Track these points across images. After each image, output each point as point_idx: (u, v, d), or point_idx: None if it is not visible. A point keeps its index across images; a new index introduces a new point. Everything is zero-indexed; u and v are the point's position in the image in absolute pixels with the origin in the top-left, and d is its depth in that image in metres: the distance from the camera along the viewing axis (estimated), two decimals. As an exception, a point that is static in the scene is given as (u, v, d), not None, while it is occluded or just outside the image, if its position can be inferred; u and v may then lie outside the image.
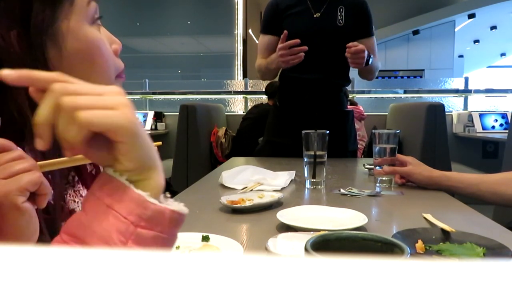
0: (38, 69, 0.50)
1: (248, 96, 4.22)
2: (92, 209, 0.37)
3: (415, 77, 8.63)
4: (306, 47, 1.50)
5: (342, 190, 1.11)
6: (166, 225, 0.36)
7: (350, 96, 3.51)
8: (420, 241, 0.69)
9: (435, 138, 2.60)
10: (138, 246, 0.35)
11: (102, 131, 0.35)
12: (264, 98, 4.03)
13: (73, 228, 0.37)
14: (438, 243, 0.71)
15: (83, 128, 0.34)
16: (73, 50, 0.53)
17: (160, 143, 0.50)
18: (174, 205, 0.38)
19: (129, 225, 0.35)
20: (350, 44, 1.53)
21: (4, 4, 0.49)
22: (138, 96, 4.38)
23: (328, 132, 1.18)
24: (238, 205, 0.91)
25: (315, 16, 1.68)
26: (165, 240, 0.37)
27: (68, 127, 0.34)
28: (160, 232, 0.36)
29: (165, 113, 4.07)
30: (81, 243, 0.36)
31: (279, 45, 1.53)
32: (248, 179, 1.20)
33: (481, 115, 3.61)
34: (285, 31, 1.52)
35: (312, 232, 0.68)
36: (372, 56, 1.63)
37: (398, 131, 1.22)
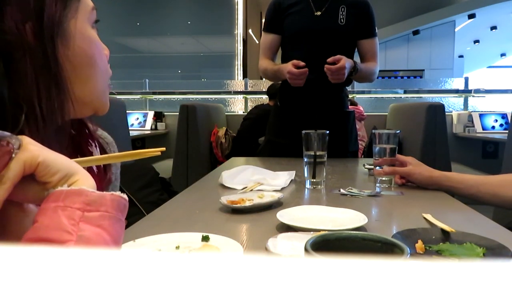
0: (47, 64, 0.50)
1: (248, 96, 4.22)
2: (41, 214, 0.39)
3: (415, 77, 8.63)
4: (307, 70, 1.56)
5: (342, 190, 1.11)
6: (109, 206, 0.41)
7: (350, 96, 3.51)
8: (420, 241, 0.69)
9: (435, 138, 2.60)
10: (89, 225, 0.39)
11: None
12: (264, 98, 4.03)
13: (28, 235, 0.38)
14: (438, 243, 0.70)
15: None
16: (79, 48, 0.54)
17: (163, 148, 0.51)
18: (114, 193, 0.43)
19: (76, 211, 0.39)
20: (330, 59, 1.54)
21: None
22: (138, 96, 4.38)
23: (328, 132, 1.18)
24: (238, 205, 0.91)
25: (315, 14, 1.68)
26: (112, 218, 0.41)
27: None
28: (106, 212, 0.40)
29: (165, 113, 4.06)
30: (38, 241, 0.37)
31: (291, 70, 1.56)
32: (248, 179, 1.20)
33: (481, 115, 3.61)
34: (303, 64, 1.57)
35: (312, 232, 0.68)
36: (358, 67, 1.63)
37: (398, 131, 1.22)
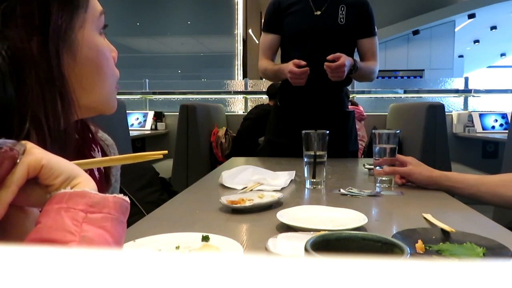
0: (52, 77, 0.50)
1: (248, 96, 4.22)
2: (45, 215, 0.40)
3: (415, 77, 8.63)
4: (308, 69, 1.56)
5: (342, 190, 1.11)
6: (112, 207, 0.41)
7: (350, 96, 3.51)
8: (420, 241, 0.69)
9: (435, 138, 2.60)
10: (92, 226, 0.39)
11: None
12: (264, 98, 4.03)
13: (31, 235, 0.39)
14: (438, 243, 0.70)
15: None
16: (85, 58, 0.54)
17: (166, 151, 0.51)
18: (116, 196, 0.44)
19: (79, 212, 0.39)
20: (330, 57, 1.54)
21: (25, 10, 0.49)
22: (138, 96, 4.38)
23: (328, 132, 1.18)
24: (238, 205, 0.91)
25: (315, 13, 1.68)
26: (114, 219, 0.41)
27: None
28: (108, 213, 0.41)
29: (165, 113, 4.06)
30: (41, 241, 0.37)
31: (292, 70, 1.55)
32: (248, 179, 1.20)
33: (481, 115, 3.61)
34: (304, 63, 1.57)
35: (312, 232, 0.68)
36: (358, 65, 1.63)
37: (398, 131, 1.22)
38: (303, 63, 1.56)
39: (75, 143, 0.60)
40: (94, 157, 0.62)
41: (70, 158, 0.44)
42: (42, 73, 0.49)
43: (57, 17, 0.51)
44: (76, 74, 0.54)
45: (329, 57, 1.54)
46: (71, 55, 0.53)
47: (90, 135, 0.64)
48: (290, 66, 1.57)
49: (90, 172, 0.62)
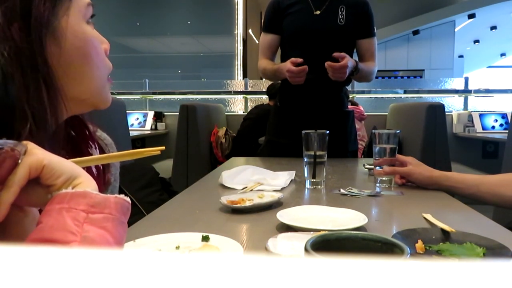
0: (36, 65, 0.50)
1: (248, 96, 4.22)
2: (46, 215, 0.40)
3: (415, 77, 8.64)
4: (306, 67, 1.56)
5: (342, 190, 1.11)
6: (113, 208, 0.42)
7: (350, 96, 3.51)
8: (420, 241, 0.69)
9: (435, 138, 2.60)
10: (93, 227, 0.39)
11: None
12: (264, 98, 4.03)
13: (32, 235, 0.39)
14: (438, 243, 0.70)
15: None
16: (71, 46, 0.53)
17: (163, 147, 0.51)
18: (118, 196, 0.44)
19: (80, 213, 0.39)
20: (336, 54, 1.54)
21: None
22: (138, 96, 4.38)
23: (328, 132, 1.18)
24: (238, 205, 0.91)
25: (315, 14, 1.68)
26: (115, 220, 0.41)
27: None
28: (109, 214, 0.41)
29: (165, 113, 4.06)
30: (43, 241, 0.38)
31: (290, 68, 1.55)
32: (248, 179, 1.20)
33: (481, 115, 3.61)
34: (301, 61, 1.56)
35: (312, 232, 0.68)
36: (359, 67, 1.63)
37: (398, 131, 1.22)
38: (300, 60, 1.56)
39: (71, 139, 0.60)
40: (91, 154, 0.62)
41: (62, 153, 0.44)
42: (24, 60, 0.48)
43: (39, 4, 0.50)
44: (62, 62, 0.53)
45: (335, 54, 1.53)
46: (56, 42, 0.52)
47: (87, 132, 0.64)
48: (287, 65, 1.57)
49: (88, 171, 0.62)
